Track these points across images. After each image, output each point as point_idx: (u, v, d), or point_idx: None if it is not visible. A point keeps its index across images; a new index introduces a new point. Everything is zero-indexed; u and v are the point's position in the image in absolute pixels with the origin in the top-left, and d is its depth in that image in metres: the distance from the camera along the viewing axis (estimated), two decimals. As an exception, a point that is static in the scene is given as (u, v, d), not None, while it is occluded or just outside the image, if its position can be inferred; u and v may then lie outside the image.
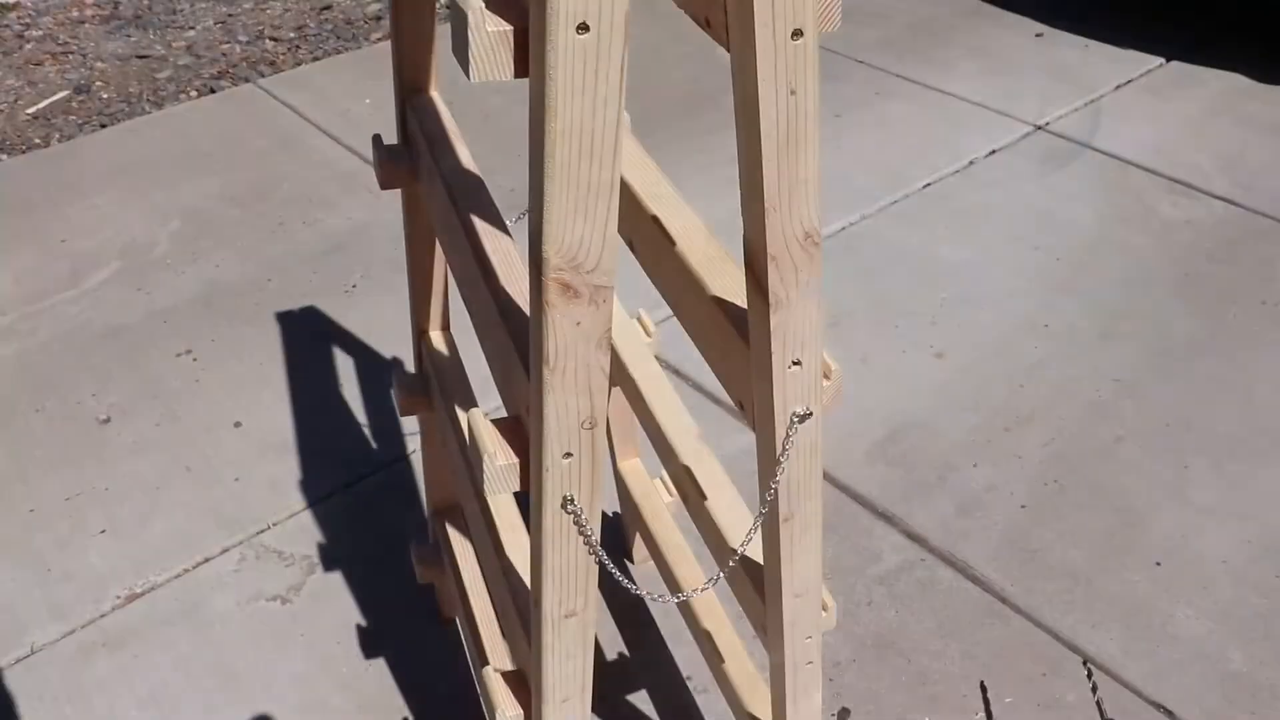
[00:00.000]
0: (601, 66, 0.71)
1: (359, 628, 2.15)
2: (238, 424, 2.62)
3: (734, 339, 1.01)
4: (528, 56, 0.75)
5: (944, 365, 2.70)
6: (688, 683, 2.03)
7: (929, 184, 3.38)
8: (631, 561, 2.23)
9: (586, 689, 1.14)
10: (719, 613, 1.66)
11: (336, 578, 2.25)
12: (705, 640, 1.65)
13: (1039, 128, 3.63)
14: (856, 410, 2.55)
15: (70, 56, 4.49)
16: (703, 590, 1.11)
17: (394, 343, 2.82)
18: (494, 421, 1.01)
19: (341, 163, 3.61)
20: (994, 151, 3.53)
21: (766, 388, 0.93)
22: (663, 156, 1.33)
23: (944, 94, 3.86)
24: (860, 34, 4.23)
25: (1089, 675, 1.20)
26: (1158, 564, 2.18)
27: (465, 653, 1.89)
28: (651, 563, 1.96)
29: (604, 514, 2.16)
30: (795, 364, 0.92)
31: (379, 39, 4.52)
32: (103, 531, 2.36)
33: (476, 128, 3.63)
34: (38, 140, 3.91)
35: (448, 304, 1.72)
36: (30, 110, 4.11)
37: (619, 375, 1.61)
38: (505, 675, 1.32)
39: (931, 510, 2.32)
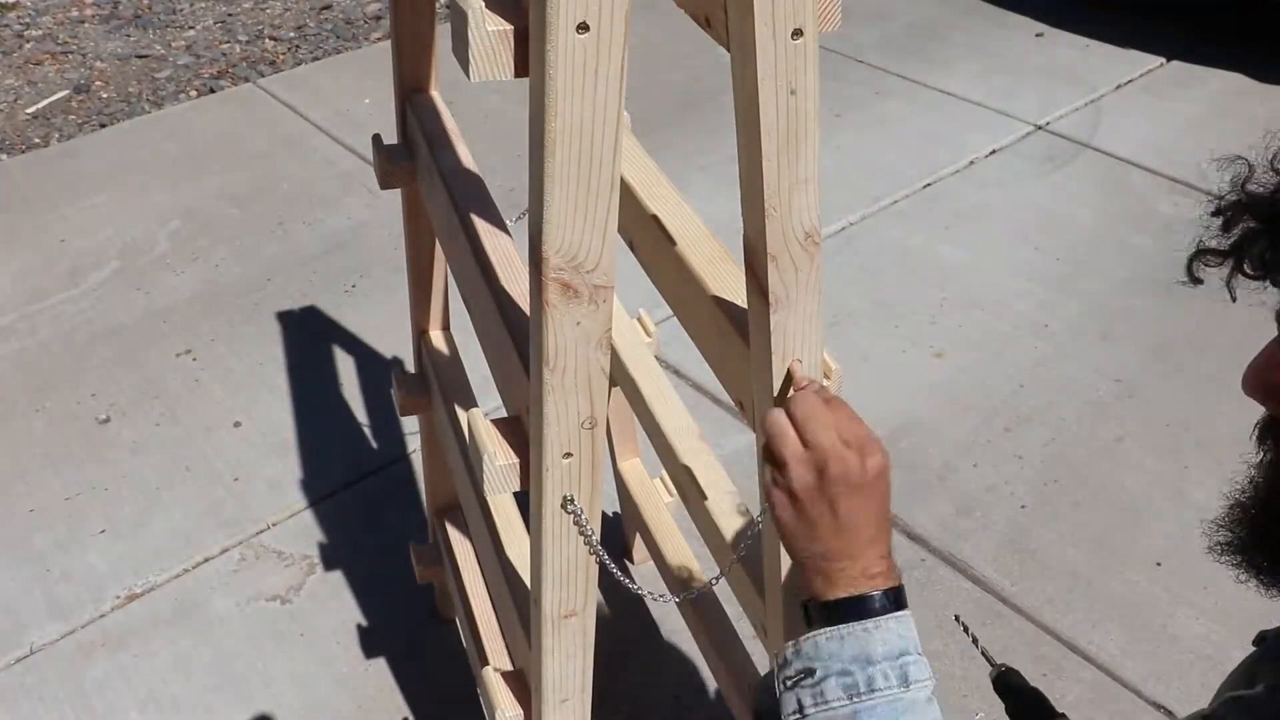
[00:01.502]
0: (601, 66, 0.71)
1: (359, 628, 2.15)
2: (238, 424, 2.62)
3: (734, 339, 1.01)
4: (528, 56, 0.75)
5: (944, 365, 2.70)
6: (688, 683, 2.03)
7: (929, 184, 3.38)
8: (631, 561, 2.23)
9: (586, 689, 1.14)
10: (719, 612, 1.66)
11: (336, 578, 2.25)
12: (705, 640, 1.65)
13: (1039, 128, 3.63)
14: (856, 410, 2.55)
15: (70, 56, 4.49)
16: (703, 590, 1.11)
17: (394, 343, 2.82)
18: (494, 421, 1.01)
19: (341, 163, 3.61)
20: (994, 151, 3.53)
21: (766, 388, 0.93)
22: (663, 156, 1.33)
23: (944, 94, 3.86)
24: (860, 34, 4.23)
25: (965, 630, 1.21)
26: (1158, 564, 2.18)
27: (465, 653, 1.89)
28: (651, 563, 1.96)
29: (604, 514, 2.16)
30: (795, 363, 0.92)
31: (379, 39, 4.52)
32: (102, 531, 2.36)
33: (476, 127, 3.62)
34: (37, 140, 3.91)
35: (448, 304, 1.72)
36: (30, 110, 4.11)
37: (619, 375, 1.61)
38: (505, 675, 1.32)
39: (931, 510, 2.32)
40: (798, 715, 0.80)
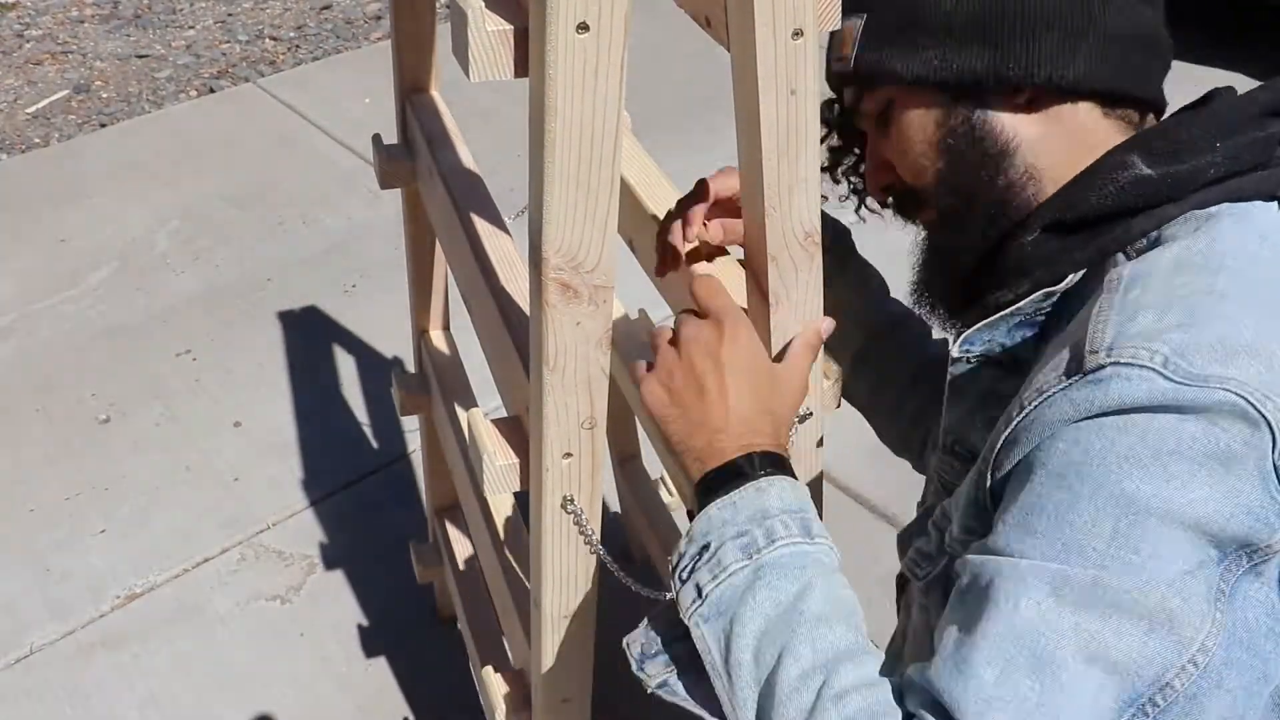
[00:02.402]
0: (601, 66, 0.71)
1: (359, 628, 2.14)
2: (238, 424, 2.62)
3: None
4: (528, 56, 0.75)
5: (944, 365, 2.70)
6: (688, 683, 2.03)
7: (929, 184, 3.38)
8: (632, 561, 2.22)
9: (586, 689, 1.14)
10: (719, 613, 1.66)
11: (336, 577, 2.25)
12: (705, 640, 1.65)
13: (1039, 128, 3.63)
14: (857, 410, 2.55)
15: (70, 56, 4.49)
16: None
17: (394, 343, 2.82)
18: (494, 421, 1.01)
19: (341, 163, 3.61)
20: (994, 151, 3.53)
21: (766, 388, 0.93)
22: (663, 156, 1.33)
23: (944, 94, 3.86)
24: (860, 34, 4.22)
25: None
26: (1158, 564, 2.18)
27: (465, 653, 1.89)
28: (652, 563, 1.96)
29: (604, 514, 2.16)
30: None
31: (379, 38, 4.52)
32: (103, 531, 2.36)
33: (476, 127, 3.62)
34: (37, 140, 3.91)
35: (448, 304, 1.72)
36: (30, 110, 4.11)
37: (619, 375, 1.61)
38: (505, 675, 1.32)
39: (931, 510, 2.32)
40: (696, 603, 0.74)
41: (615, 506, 2.21)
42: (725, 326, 0.82)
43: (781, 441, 0.81)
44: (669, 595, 0.78)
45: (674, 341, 0.83)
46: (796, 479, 0.79)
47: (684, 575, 0.75)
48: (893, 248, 1.32)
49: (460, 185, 1.30)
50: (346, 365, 2.79)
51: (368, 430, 2.59)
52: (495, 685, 1.31)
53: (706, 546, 0.74)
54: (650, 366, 0.84)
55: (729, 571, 0.73)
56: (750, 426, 0.79)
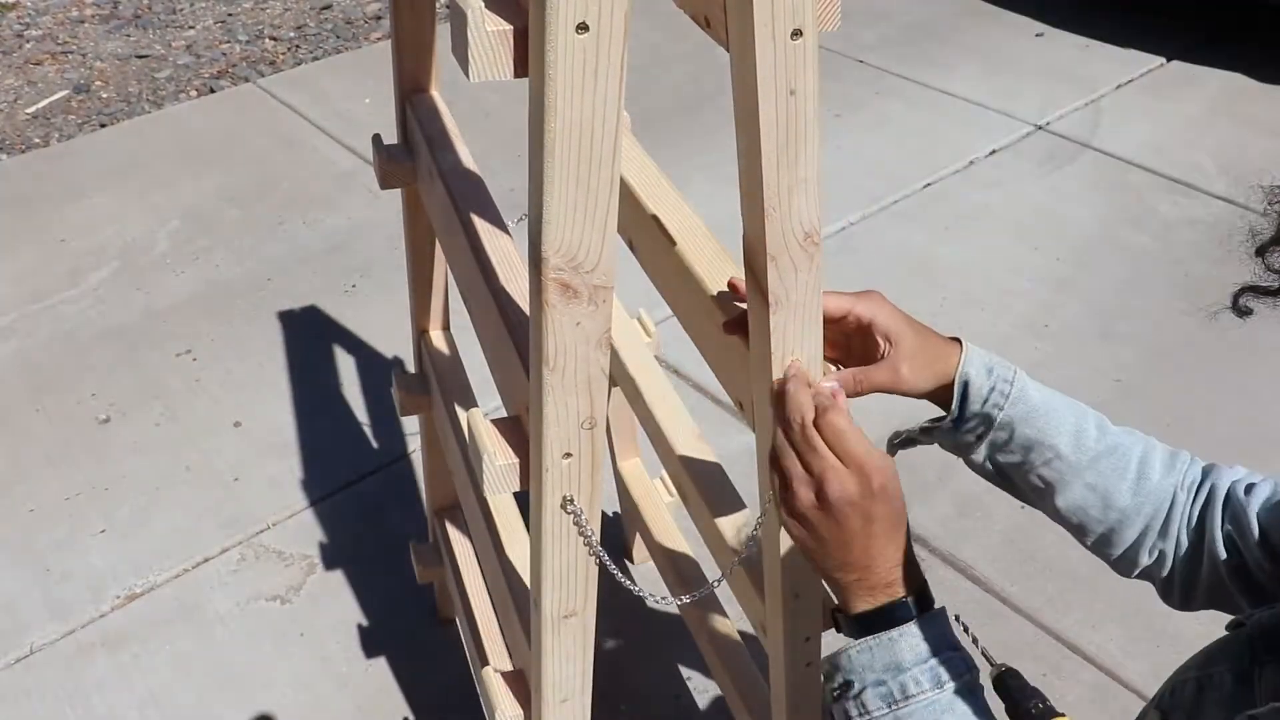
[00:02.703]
0: (601, 66, 0.71)
1: (359, 628, 2.14)
2: (238, 424, 2.62)
3: (734, 339, 1.01)
4: (527, 56, 0.75)
5: (944, 365, 2.70)
6: (687, 683, 2.03)
7: (929, 184, 3.38)
8: (631, 561, 2.23)
9: (586, 689, 1.14)
10: (719, 613, 1.66)
11: (336, 577, 2.25)
12: (705, 640, 1.65)
13: (1039, 128, 3.63)
14: (856, 410, 2.54)
15: (70, 56, 4.49)
16: (704, 593, 1.11)
17: (394, 343, 2.82)
18: (494, 421, 1.01)
19: (341, 163, 3.61)
20: (994, 151, 3.53)
21: (766, 388, 0.93)
22: (663, 156, 1.34)
23: (944, 94, 3.86)
24: (860, 34, 4.23)
25: (965, 630, 1.23)
26: (1158, 564, 2.18)
27: (465, 653, 1.89)
28: (651, 563, 1.96)
29: (604, 514, 2.16)
30: (795, 362, 0.92)
31: (379, 39, 4.51)
32: (102, 531, 2.36)
33: (476, 127, 3.62)
34: (37, 140, 3.91)
35: (448, 304, 1.72)
36: (30, 110, 4.11)
37: (619, 375, 1.61)
38: (505, 675, 1.32)
39: (931, 510, 2.32)
40: None
41: (615, 506, 2.22)
42: (874, 481, 0.85)
43: (910, 562, 0.86)
44: (667, 599, 0.80)
45: (820, 497, 0.84)
46: (931, 607, 0.85)
47: (834, 695, 0.86)
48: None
49: (460, 186, 1.30)
50: (346, 365, 2.79)
51: (368, 430, 2.59)
52: (495, 685, 1.31)
53: (850, 684, 0.84)
54: (783, 485, 0.86)
55: (872, 715, 0.84)
56: (891, 561, 0.85)
